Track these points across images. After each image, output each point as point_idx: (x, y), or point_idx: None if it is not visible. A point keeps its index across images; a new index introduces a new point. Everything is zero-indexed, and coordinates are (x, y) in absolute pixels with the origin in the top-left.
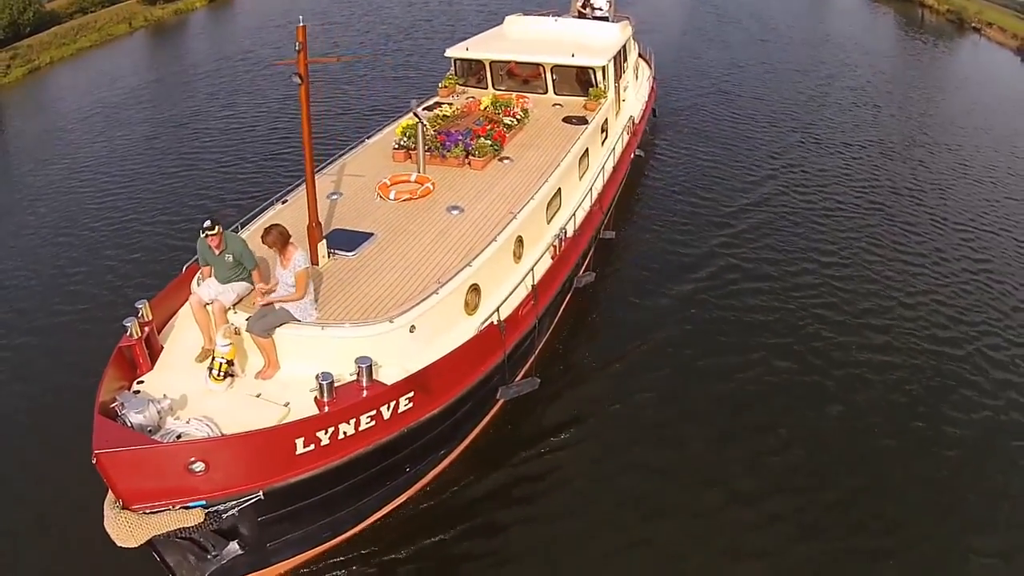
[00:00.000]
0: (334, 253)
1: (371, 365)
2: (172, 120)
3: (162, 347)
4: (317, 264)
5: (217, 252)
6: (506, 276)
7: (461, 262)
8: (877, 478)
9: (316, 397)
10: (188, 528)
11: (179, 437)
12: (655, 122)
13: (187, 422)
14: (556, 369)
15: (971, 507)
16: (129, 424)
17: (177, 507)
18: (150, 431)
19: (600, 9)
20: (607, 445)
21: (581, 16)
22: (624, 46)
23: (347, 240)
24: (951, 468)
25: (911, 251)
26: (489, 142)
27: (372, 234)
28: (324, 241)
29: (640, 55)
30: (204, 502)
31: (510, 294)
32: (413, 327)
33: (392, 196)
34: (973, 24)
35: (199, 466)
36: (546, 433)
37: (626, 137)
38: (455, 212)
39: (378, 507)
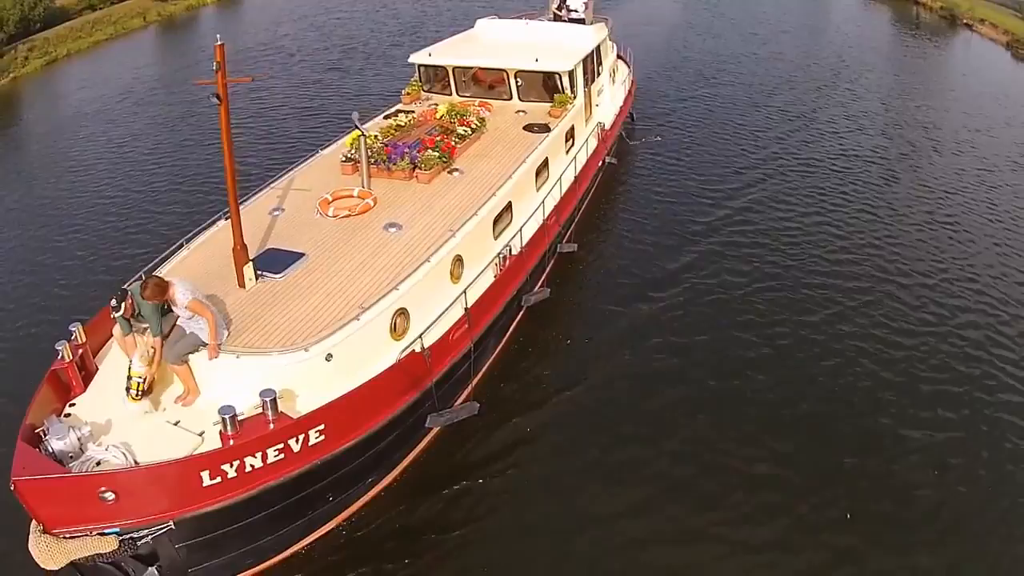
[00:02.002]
0: (262, 275)
1: (275, 398)
2: (166, 116)
3: (97, 368)
4: (244, 287)
5: (134, 313)
6: (440, 298)
7: (389, 285)
8: (849, 504)
9: (220, 431)
10: (106, 554)
11: (98, 464)
12: (632, 127)
13: (106, 449)
14: (500, 393)
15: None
16: (50, 450)
17: (94, 533)
18: (71, 457)
19: (576, 11)
20: (549, 474)
21: (557, 18)
22: (597, 49)
23: (276, 261)
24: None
25: (899, 264)
26: (437, 154)
27: (303, 254)
28: (251, 264)
29: (619, 56)
30: (118, 529)
31: (437, 319)
32: (330, 355)
33: (331, 212)
34: (965, 21)
35: (110, 495)
36: (485, 460)
37: (594, 144)
38: (392, 230)
39: (302, 535)
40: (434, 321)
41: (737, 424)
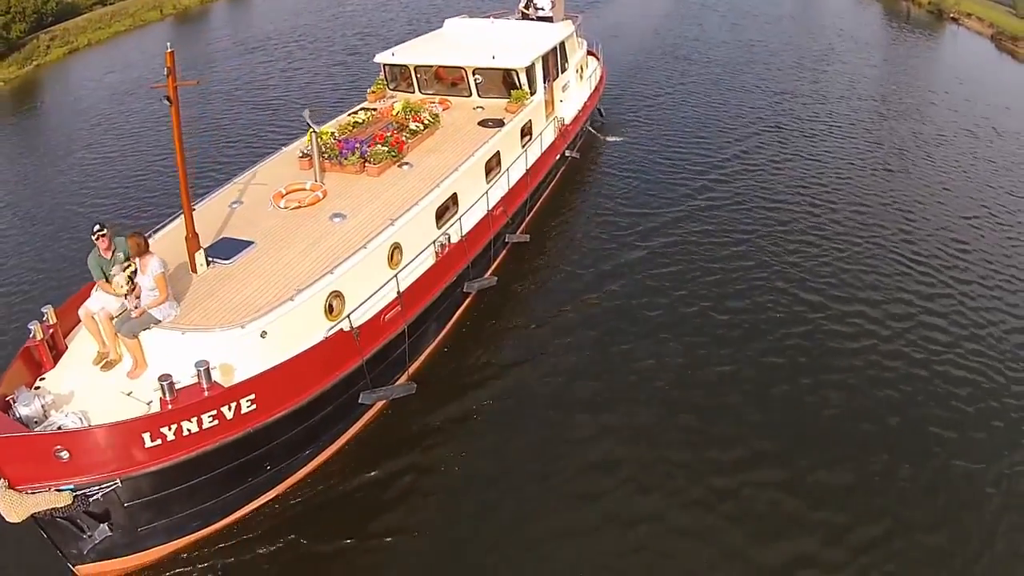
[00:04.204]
0: (213, 261)
1: (208, 368)
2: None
3: (67, 348)
4: (196, 272)
5: (108, 255)
6: (377, 282)
7: (326, 269)
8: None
9: (160, 397)
10: (62, 508)
11: (59, 428)
12: (602, 121)
13: (66, 416)
14: (441, 374)
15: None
16: (17, 416)
17: (51, 489)
18: (36, 422)
19: (542, 9)
20: (485, 453)
21: (524, 17)
22: (561, 45)
23: (227, 248)
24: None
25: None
26: (386, 149)
27: (252, 242)
28: (202, 251)
29: (590, 52)
30: (72, 486)
31: (367, 299)
32: (264, 332)
33: (283, 204)
34: (952, 15)
35: (64, 454)
36: (423, 437)
37: (553, 138)
38: (337, 220)
39: (245, 501)
40: (363, 303)
41: (675, 418)
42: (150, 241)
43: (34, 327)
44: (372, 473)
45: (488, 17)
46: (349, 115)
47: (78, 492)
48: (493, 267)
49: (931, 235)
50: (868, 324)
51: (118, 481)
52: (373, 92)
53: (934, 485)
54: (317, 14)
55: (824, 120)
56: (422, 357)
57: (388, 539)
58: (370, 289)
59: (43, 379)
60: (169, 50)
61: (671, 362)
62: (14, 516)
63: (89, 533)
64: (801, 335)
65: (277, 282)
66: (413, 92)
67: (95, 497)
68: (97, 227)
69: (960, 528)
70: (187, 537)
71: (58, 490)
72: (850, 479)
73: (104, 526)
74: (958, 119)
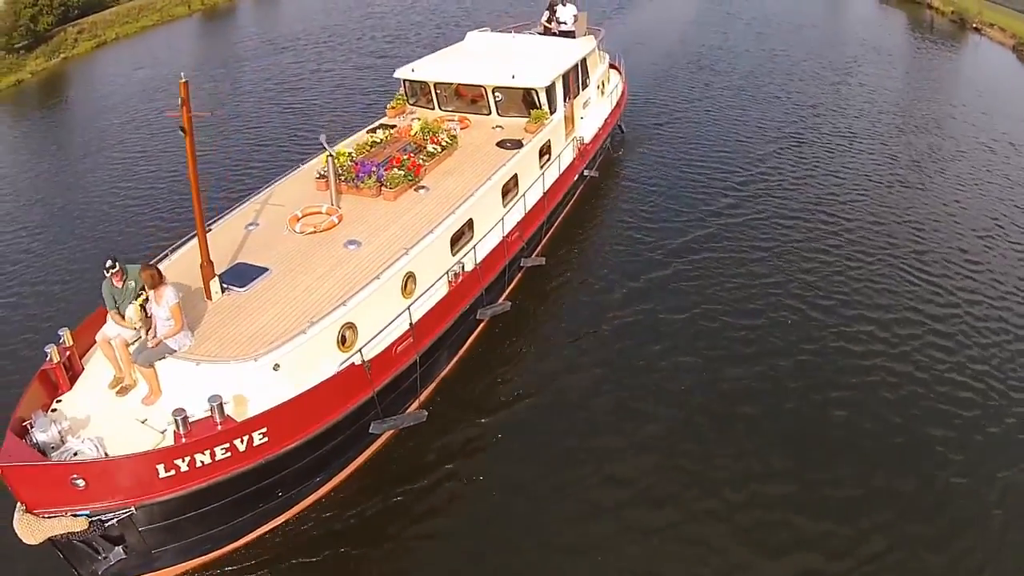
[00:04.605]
0: (227, 288)
1: (221, 404)
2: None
3: (83, 369)
4: (211, 299)
5: (120, 285)
6: (390, 312)
7: (340, 300)
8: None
9: (174, 430)
10: (79, 532)
11: (75, 454)
12: (622, 137)
13: (82, 441)
14: (453, 401)
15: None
16: (35, 441)
17: (68, 514)
18: (52, 447)
19: (565, 24)
20: (496, 481)
21: (547, 31)
22: (583, 62)
23: (242, 275)
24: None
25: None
26: (402, 173)
27: (267, 269)
28: (217, 279)
29: (612, 65)
30: (88, 512)
31: (380, 332)
32: (277, 365)
33: (299, 228)
34: (974, 24)
35: (80, 482)
36: (434, 465)
37: (572, 158)
38: (352, 247)
39: (255, 526)
40: (376, 335)
41: (687, 443)
42: (169, 260)
43: (50, 350)
44: (382, 499)
45: (510, 31)
46: (368, 131)
47: (94, 518)
48: (507, 291)
49: (943, 253)
50: (875, 343)
51: (133, 508)
52: (392, 107)
53: (940, 502)
54: (345, 14)
55: (843, 133)
56: (433, 384)
57: (397, 564)
58: (383, 320)
59: (60, 401)
60: (183, 80)
61: (687, 384)
62: (32, 539)
63: (104, 555)
64: (813, 351)
65: (291, 312)
66: (433, 108)
67: (110, 522)
68: (109, 262)
69: (963, 544)
70: (198, 559)
71: (74, 515)
72: (856, 493)
73: (119, 549)
74: (976, 133)
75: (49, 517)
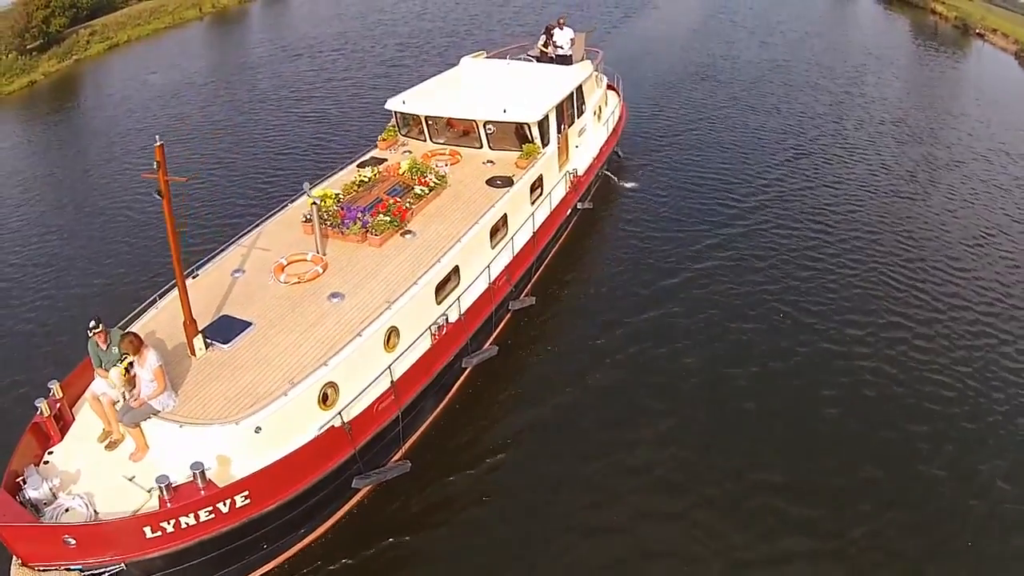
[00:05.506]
0: (211, 344)
1: (203, 471)
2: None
3: (74, 419)
4: (194, 355)
5: (104, 347)
6: (373, 369)
7: (322, 358)
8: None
9: (159, 496)
10: None
11: (67, 510)
12: (619, 162)
13: (73, 498)
14: (436, 451)
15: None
16: (27, 498)
17: (61, 568)
18: (44, 503)
19: (561, 48)
20: (478, 532)
21: (543, 55)
22: (579, 89)
23: (225, 330)
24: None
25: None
26: (388, 219)
27: (250, 324)
28: (200, 336)
29: (610, 85)
30: (80, 567)
31: (363, 392)
32: (259, 428)
33: (283, 279)
34: (977, 30)
35: (72, 541)
36: (417, 516)
37: (564, 192)
38: (335, 300)
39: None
40: (359, 395)
41: (695, 489)
42: (156, 307)
43: (41, 404)
44: (366, 546)
45: (505, 56)
46: (357, 165)
47: (86, 572)
48: (494, 335)
49: (935, 263)
50: (862, 346)
51: (123, 565)
52: (384, 139)
53: (924, 492)
54: (358, 20)
55: (842, 144)
56: (417, 434)
57: None
58: (365, 377)
59: (51, 452)
60: (158, 144)
61: (679, 437)
62: None
63: None
64: (814, 364)
65: (274, 371)
66: (424, 140)
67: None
68: (92, 323)
69: (945, 530)
70: None
71: (67, 569)
72: (845, 483)
73: None
74: (973, 143)
75: (44, 570)
